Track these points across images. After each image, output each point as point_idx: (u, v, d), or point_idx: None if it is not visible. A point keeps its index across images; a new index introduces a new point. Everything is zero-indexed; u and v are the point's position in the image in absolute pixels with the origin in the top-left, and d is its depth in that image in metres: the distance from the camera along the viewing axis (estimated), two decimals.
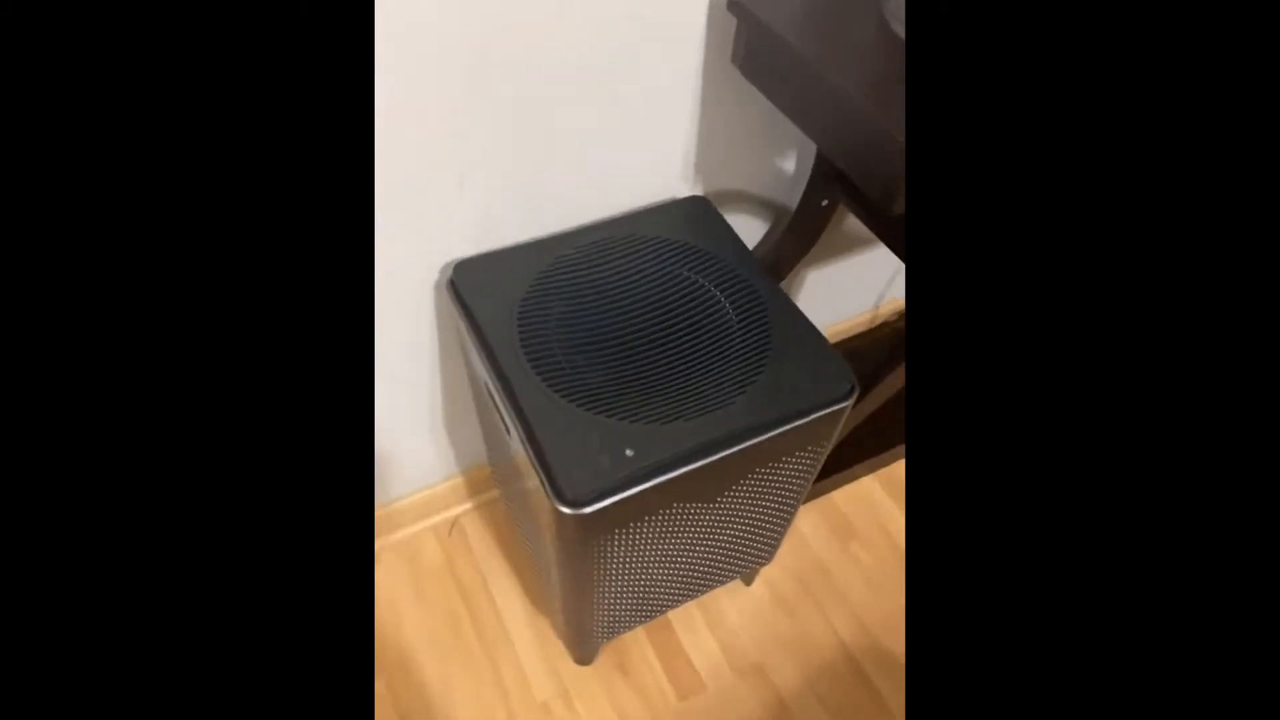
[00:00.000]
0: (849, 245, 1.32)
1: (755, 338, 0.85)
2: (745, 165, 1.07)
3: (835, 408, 0.82)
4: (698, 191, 1.06)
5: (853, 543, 1.28)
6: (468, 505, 1.30)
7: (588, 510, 0.73)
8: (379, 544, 1.24)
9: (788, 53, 0.76)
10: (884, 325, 1.59)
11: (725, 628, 1.18)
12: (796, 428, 0.81)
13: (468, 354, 0.93)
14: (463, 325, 0.87)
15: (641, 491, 0.75)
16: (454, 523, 1.28)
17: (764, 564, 1.19)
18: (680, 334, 0.85)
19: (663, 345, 0.84)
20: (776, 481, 0.91)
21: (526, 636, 1.16)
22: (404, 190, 0.83)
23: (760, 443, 0.79)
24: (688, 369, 0.82)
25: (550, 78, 0.82)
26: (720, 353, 0.84)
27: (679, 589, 1.05)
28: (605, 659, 1.14)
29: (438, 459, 1.20)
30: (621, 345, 0.84)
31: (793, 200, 1.17)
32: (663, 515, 0.82)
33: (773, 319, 0.86)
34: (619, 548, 0.84)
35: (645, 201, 1.02)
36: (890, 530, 1.30)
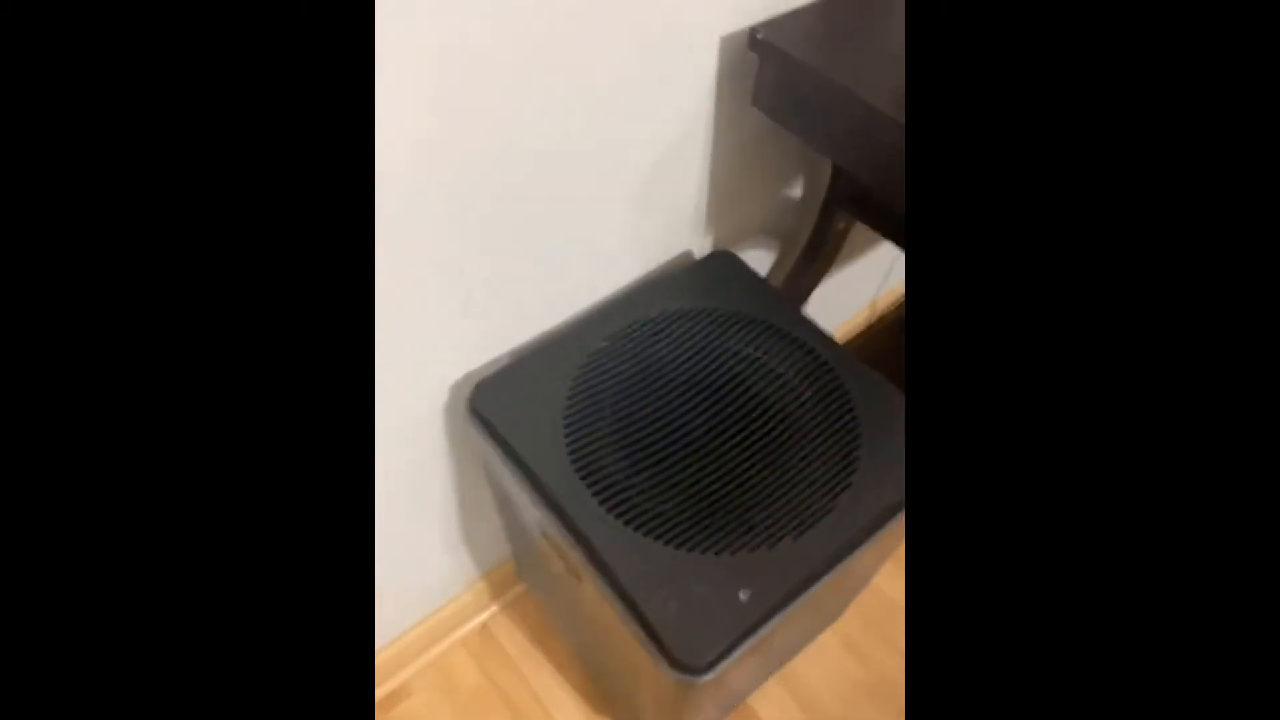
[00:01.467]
0: (848, 254, 1.23)
1: (837, 410, 0.75)
2: (755, 206, 0.96)
3: None
4: (708, 239, 0.94)
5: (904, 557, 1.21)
6: (494, 609, 1.17)
7: (709, 676, 0.62)
8: (407, 674, 1.10)
9: (814, 80, 0.68)
10: (883, 318, 1.51)
11: (802, 687, 1.10)
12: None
13: (501, 485, 0.79)
14: (495, 456, 0.74)
15: (764, 636, 0.64)
16: (484, 630, 1.15)
17: (835, 616, 1.11)
18: (754, 423, 0.74)
19: (739, 442, 0.73)
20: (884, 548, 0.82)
21: None
22: (394, 302, 0.68)
23: (879, 538, 0.69)
24: (774, 465, 0.71)
25: (544, 153, 0.68)
26: (805, 437, 0.73)
27: (763, 674, 0.96)
28: None
29: (456, 569, 1.07)
30: (690, 451, 0.72)
31: (800, 226, 1.06)
32: (776, 640, 0.72)
33: (847, 382, 0.76)
34: (725, 685, 0.73)
35: (657, 262, 0.90)
36: None
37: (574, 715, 1.07)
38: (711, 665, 0.62)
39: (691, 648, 0.62)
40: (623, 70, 0.67)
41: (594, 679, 1.07)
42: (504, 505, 0.85)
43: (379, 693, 1.08)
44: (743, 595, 0.64)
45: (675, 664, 0.62)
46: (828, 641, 1.14)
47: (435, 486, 0.90)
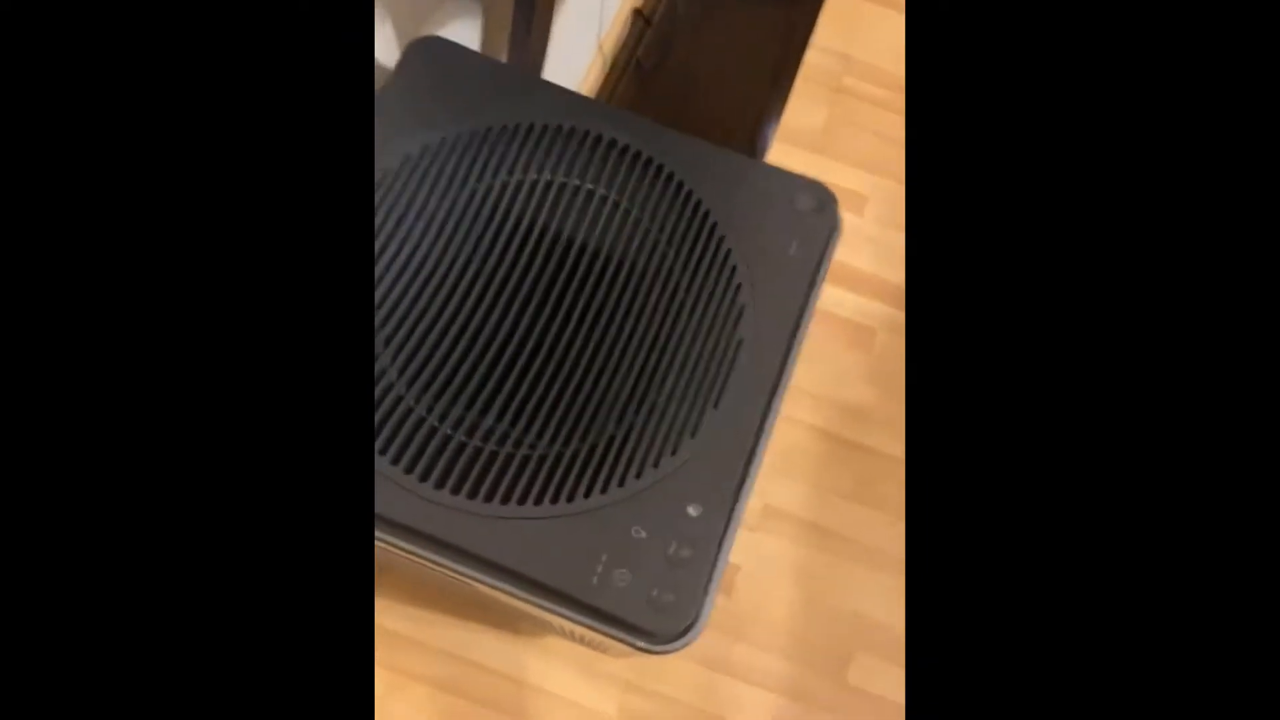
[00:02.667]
0: None
1: (692, 227, 0.55)
2: None
3: (830, 251, 0.58)
4: (391, 39, 0.63)
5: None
6: None
7: (703, 622, 0.46)
8: None
9: None
10: (614, 63, 1.27)
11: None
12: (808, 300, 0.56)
13: None
14: None
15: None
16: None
17: None
18: (589, 281, 0.52)
19: (591, 329, 0.51)
20: None
21: (547, 672, 0.93)
22: None
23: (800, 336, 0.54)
24: (650, 328, 0.52)
25: None
26: (668, 275, 0.53)
27: None
28: None
29: None
30: (538, 360, 0.50)
31: None
32: None
33: (686, 177, 0.55)
34: None
35: None
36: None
37: (523, 656, 0.93)
38: (699, 615, 0.46)
39: (671, 611, 0.45)
40: None
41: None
42: None
43: None
44: (692, 510, 0.47)
45: (662, 640, 0.45)
46: None
47: None
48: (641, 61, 1.24)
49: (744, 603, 0.98)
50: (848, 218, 1.19)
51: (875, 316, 1.14)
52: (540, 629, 0.94)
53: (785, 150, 1.22)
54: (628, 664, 0.94)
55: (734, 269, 0.53)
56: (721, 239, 0.54)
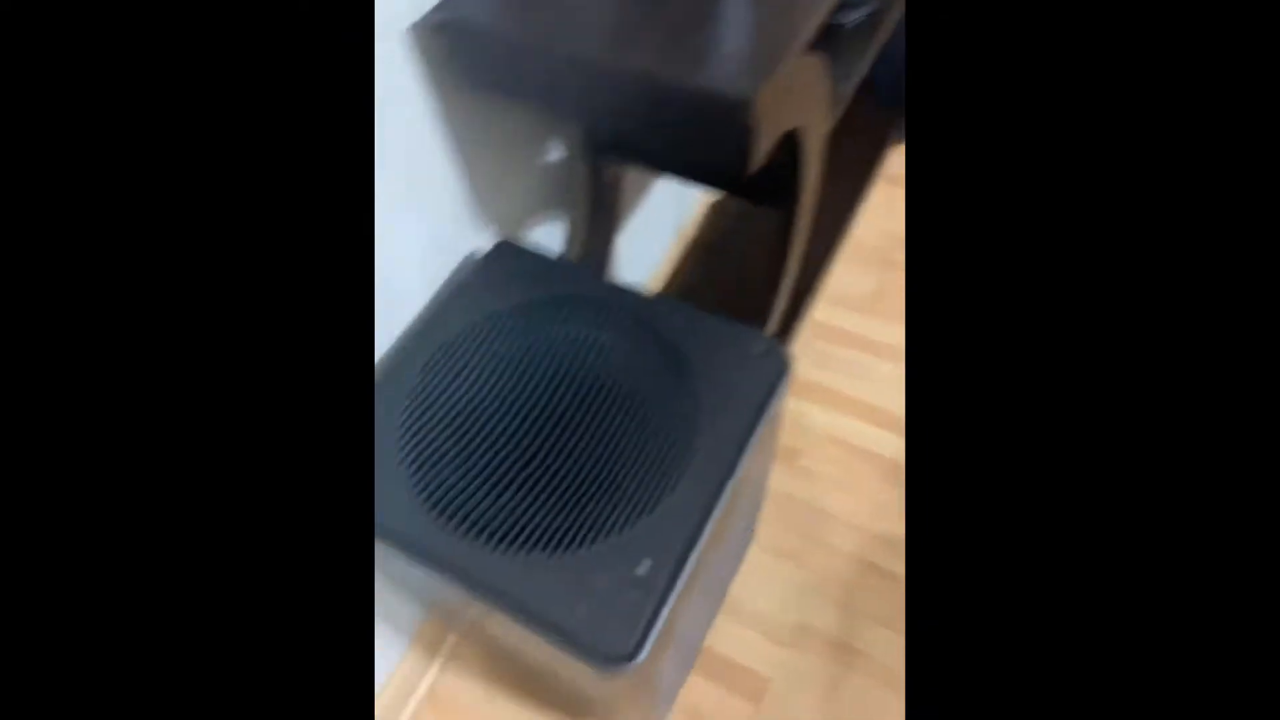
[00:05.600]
0: (633, 200, 1.23)
1: (665, 358, 0.75)
2: (520, 184, 0.94)
3: (781, 385, 0.75)
4: (489, 234, 0.91)
5: (800, 459, 1.26)
6: (435, 669, 1.12)
7: (643, 656, 0.61)
8: None
9: (509, 47, 0.67)
10: (690, 241, 1.54)
11: (750, 613, 1.13)
12: (767, 420, 0.73)
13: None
14: None
15: (680, 591, 0.64)
16: (433, 694, 1.10)
17: (752, 537, 1.14)
18: (595, 400, 0.73)
19: (588, 424, 0.72)
20: (763, 467, 0.84)
21: None
22: None
23: (750, 460, 0.71)
24: (626, 432, 0.71)
25: None
26: (644, 394, 0.73)
27: (709, 617, 0.97)
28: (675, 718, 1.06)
29: (391, 633, 1.01)
30: (545, 450, 0.71)
31: (572, 191, 1.05)
32: (696, 589, 0.72)
33: (665, 331, 0.76)
34: (672, 646, 0.73)
35: (442, 278, 0.86)
36: (827, 429, 1.29)
37: None
38: (640, 646, 0.61)
39: (616, 640, 0.61)
40: None
41: (555, 698, 1.05)
42: (388, 577, 0.81)
43: None
44: (641, 569, 0.64)
45: (608, 660, 0.61)
46: (756, 558, 1.17)
47: None
48: (710, 244, 1.50)
49: (770, 714, 1.06)
50: (889, 368, 1.34)
51: None
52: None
53: (834, 311, 1.41)
54: None
55: (698, 394, 0.72)
56: (690, 373, 0.73)
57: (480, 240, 0.90)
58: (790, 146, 0.79)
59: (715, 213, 1.52)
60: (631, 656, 0.61)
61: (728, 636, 1.11)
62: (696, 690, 1.08)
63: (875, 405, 1.30)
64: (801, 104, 0.71)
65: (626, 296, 0.79)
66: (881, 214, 1.52)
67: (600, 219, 1.03)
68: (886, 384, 1.32)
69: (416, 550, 0.66)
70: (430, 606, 0.94)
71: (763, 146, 0.64)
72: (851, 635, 1.10)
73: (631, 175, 1.18)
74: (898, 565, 1.15)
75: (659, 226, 1.38)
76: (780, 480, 1.24)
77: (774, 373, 0.74)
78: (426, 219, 0.80)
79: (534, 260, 0.83)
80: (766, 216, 1.47)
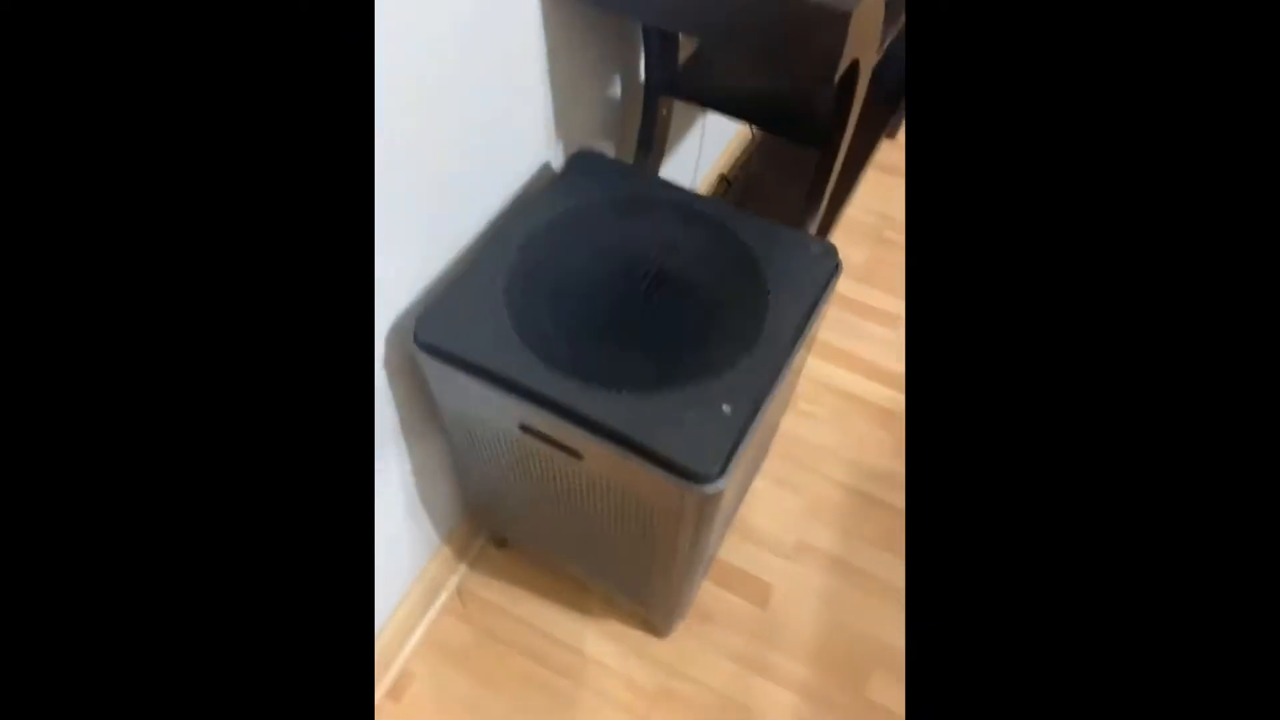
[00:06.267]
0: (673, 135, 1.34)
1: (740, 255, 0.86)
2: (586, 108, 1.04)
3: (834, 281, 0.87)
4: (559, 148, 1.01)
5: (800, 403, 1.38)
6: (463, 569, 1.18)
7: (725, 479, 0.71)
8: (404, 659, 1.09)
9: None
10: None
11: (756, 532, 1.23)
12: (822, 307, 0.84)
13: (466, 411, 0.82)
14: (457, 379, 0.77)
15: (754, 434, 0.74)
16: (462, 592, 1.16)
17: (759, 468, 1.25)
18: (678, 285, 0.83)
19: (671, 305, 0.81)
20: (803, 362, 0.95)
21: (605, 648, 1.12)
22: None
23: (806, 340, 0.82)
24: (708, 313, 0.81)
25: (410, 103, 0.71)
26: (720, 279, 0.83)
27: (734, 508, 1.07)
28: (684, 621, 1.14)
29: (422, 539, 1.07)
30: (635, 318, 0.80)
31: (626, 121, 1.16)
32: (755, 444, 0.82)
33: (743, 235, 0.87)
34: (725, 503, 0.83)
35: (521, 182, 0.95)
36: (825, 379, 1.41)
37: (588, 633, 1.13)
38: (724, 469, 0.71)
39: (704, 458, 0.70)
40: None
41: (596, 575, 1.11)
42: (470, 435, 0.88)
43: (384, 684, 1.07)
44: (725, 408, 0.74)
45: (696, 478, 0.70)
46: (761, 486, 1.28)
47: (391, 454, 0.90)
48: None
49: (777, 616, 1.15)
50: (884, 331, 1.47)
51: (901, 404, 1.39)
52: (606, 612, 1.14)
53: None
54: (673, 650, 1.12)
55: (766, 283, 0.83)
56: (759, 265, 0.84)
57: (552, 154, 0.99)
58: (845, 80, 0.91)
59: (725, 183, 1.65)
60: (720, 475, 0.71)
61: (736, 550, 1.21)
62: (709, 594, 1.17)
63: (868, 360, 1.43)
64: (867, 35, 0.84)
65: (701, 201, 0.89)
66: (874, 197, 1.67)
67: (649, 151, 1.13)
68: (878, 343, 1.46)
69: (524, 391, 0.74)
70: (495, 483, 1.01)
71: (844, 64, 0.76)
72: (850, 554, 1.22)
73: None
74: (890, 496, 1.28)
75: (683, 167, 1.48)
76: (782, 421, 1.35)
77: (828, 270, 0.86)
78: (529, 109, 0.89)
79: (613, 167, 0.93)
80: (769, 175, 1.59)
